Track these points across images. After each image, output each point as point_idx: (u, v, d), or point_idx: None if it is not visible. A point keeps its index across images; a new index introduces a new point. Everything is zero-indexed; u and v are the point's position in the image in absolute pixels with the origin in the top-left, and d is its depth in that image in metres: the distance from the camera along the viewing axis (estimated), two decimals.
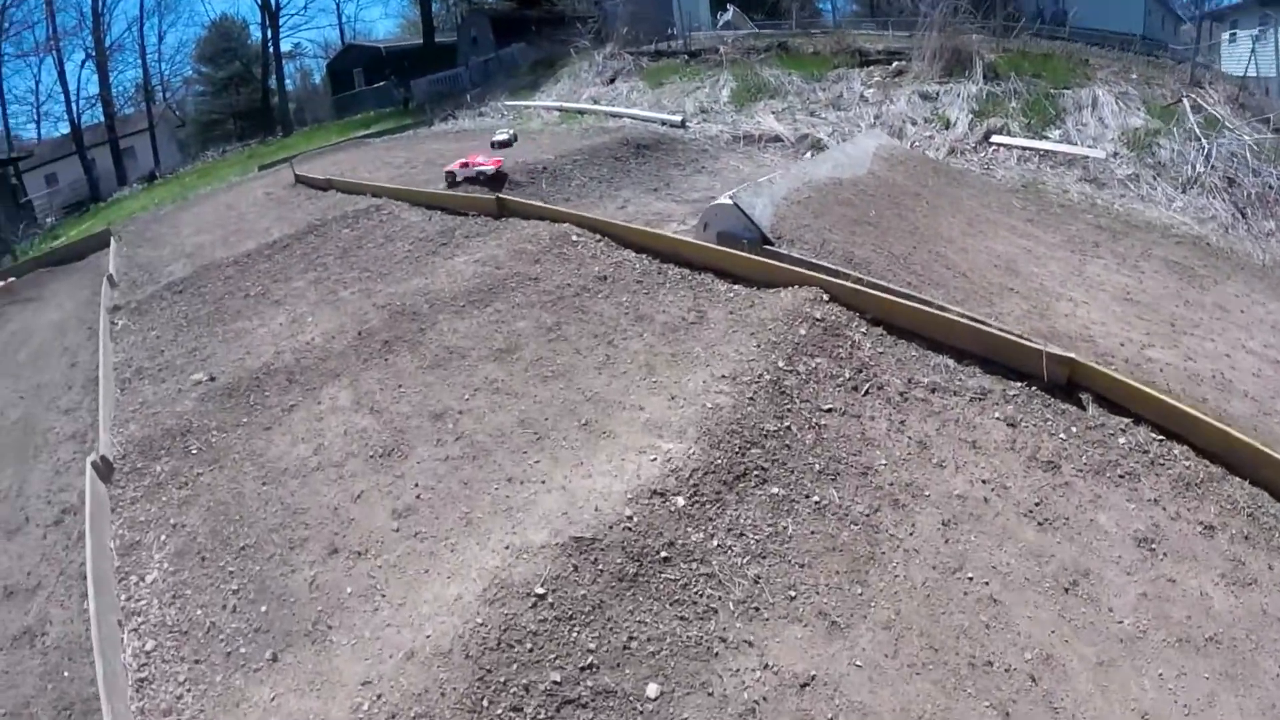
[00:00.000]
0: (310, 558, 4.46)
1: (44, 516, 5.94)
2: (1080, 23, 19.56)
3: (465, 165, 10.92)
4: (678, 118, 14.70)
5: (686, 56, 19.54)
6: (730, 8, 24.39)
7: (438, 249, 8.46)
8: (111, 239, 14.55)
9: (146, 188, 26.18)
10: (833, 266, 6.55)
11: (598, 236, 7.87)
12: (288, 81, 38.56)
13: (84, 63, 30.06)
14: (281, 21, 34.25)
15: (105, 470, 5.69)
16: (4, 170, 25.02)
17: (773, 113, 14.98)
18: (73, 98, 29.93)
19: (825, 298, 6.10)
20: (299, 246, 9.68)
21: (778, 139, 13.77)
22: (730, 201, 7.34)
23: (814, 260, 6.70)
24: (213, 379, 6.51)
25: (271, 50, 33.98)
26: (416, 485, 4.84)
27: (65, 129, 30.27)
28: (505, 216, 9.05)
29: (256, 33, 35.70)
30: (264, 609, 4.18)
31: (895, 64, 16.58)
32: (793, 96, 15.88)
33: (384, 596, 4.06)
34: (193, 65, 36.91)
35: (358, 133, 22.66)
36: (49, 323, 10.89)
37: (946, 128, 13.31)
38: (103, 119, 30.43)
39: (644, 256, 7.41)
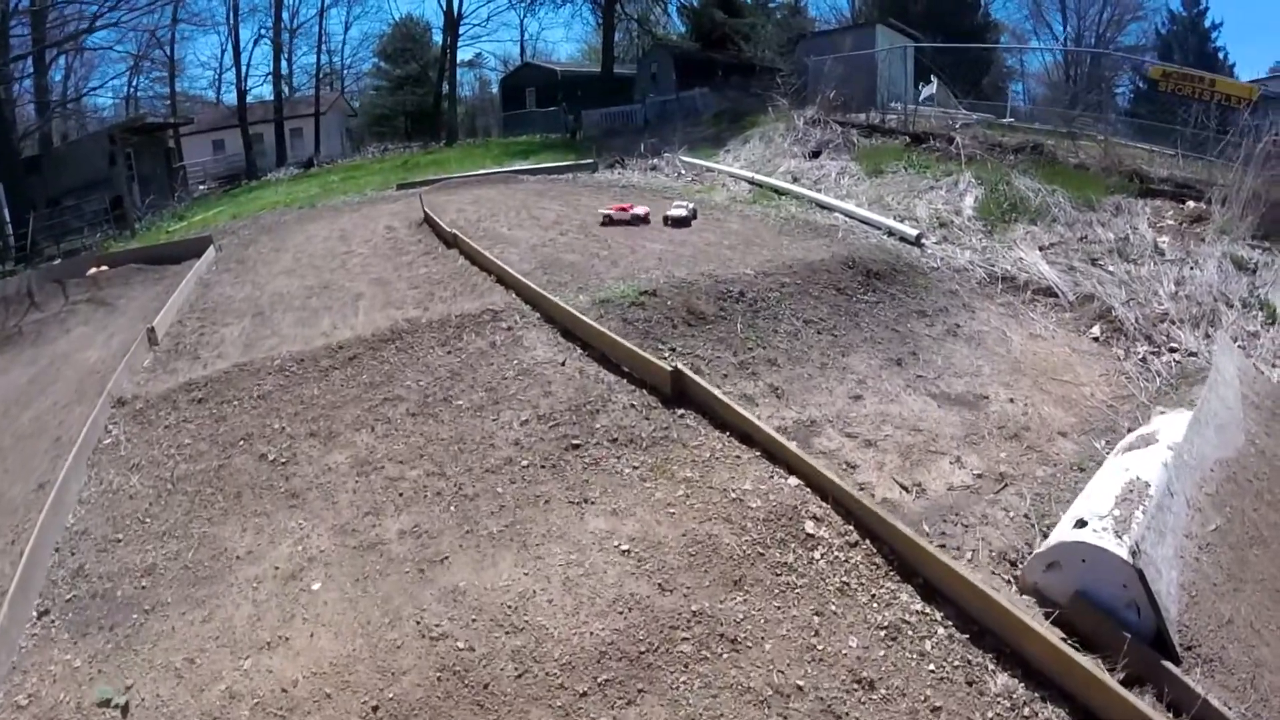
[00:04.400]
0: None
1: None
2: None
3: (622, 210, 11.42)
4: (911, 231, 10.93)
5: (908, 139, 15.79)
6: (934, 80, 20.51)
7: (561, 457, 5.14)
8: (210, 248, 12.68)
9: (296, 176, 25.38)
10: None
11: (854, 536, 4.17)
12: (466, 88, 38.24)
13: (257, 41, 29.94)
14: (462, 31, 33.48)
15: None
16: (163, 134, 24.82)
17: (1039, 247, 11.00)
18: (243, 73, 30.03)
19: None
20: (370, 365, 6.80)
21: (1050, 292, 9.81)
22: (1125, 559, 3.62)
23: None
24: None
25: (449, 57, 32.95)
26: None
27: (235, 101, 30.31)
28: (681, 407, 5.55)
29: (438, 36, 35.17)
30: None
31: (1190, 205, 12.51)
32: (1061, 227, 11.83)
33: None
34: (373, 60, 36.91)
35: (515, 163, 20.52)
36: (84, 365, 8.69)
37: (1273, 322, 9.00)
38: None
39: (941, 615, 3.76)
